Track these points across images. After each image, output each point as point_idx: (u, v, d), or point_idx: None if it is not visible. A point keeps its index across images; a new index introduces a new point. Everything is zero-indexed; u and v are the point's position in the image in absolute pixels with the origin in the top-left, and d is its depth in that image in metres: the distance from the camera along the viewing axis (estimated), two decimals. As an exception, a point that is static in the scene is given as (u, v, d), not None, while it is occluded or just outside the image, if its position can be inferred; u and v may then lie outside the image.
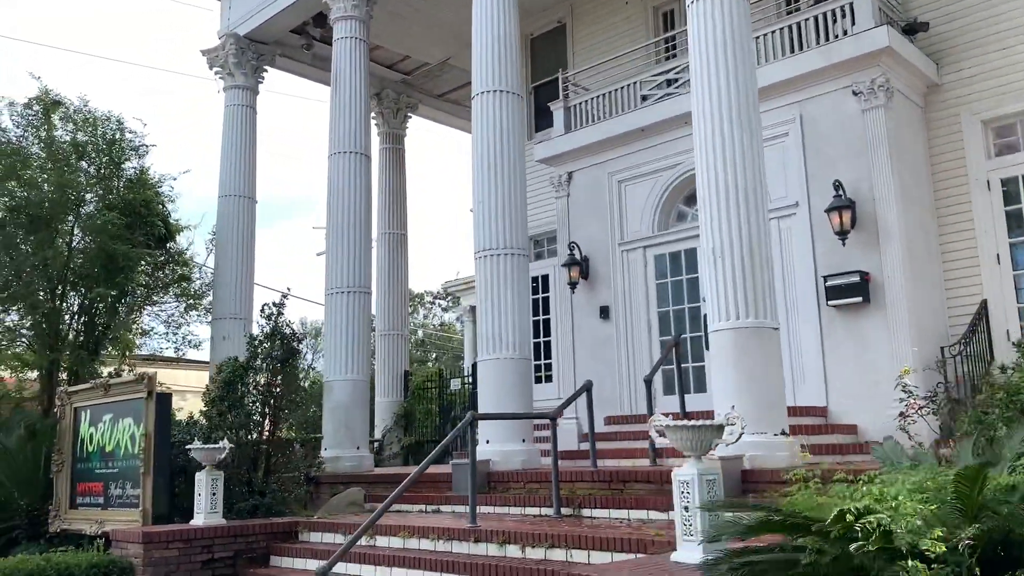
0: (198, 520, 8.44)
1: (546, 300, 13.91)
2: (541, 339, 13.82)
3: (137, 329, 14.41)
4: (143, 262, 13.20)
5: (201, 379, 15.19)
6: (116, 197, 13.47)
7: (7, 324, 14.00)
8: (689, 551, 4.67)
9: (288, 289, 10.20)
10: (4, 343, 14.05)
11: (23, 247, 13.15)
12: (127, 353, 14.39)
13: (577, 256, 11.97)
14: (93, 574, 7.61)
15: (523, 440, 9.82)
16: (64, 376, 13.86)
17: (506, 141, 10.34)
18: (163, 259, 13.83)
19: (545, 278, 13.94)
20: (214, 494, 8.54)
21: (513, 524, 7.51)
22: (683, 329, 10.95)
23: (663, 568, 4.50)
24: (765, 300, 7.75)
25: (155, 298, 14.29)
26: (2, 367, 14.14)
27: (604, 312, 11.70)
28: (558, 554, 6.58)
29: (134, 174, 13.60)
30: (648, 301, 11.38)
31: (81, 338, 13.93)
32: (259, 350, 9.49)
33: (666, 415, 5.33)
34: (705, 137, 8.14)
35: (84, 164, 13.45)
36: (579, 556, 6.46)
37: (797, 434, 8.06)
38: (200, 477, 8.54)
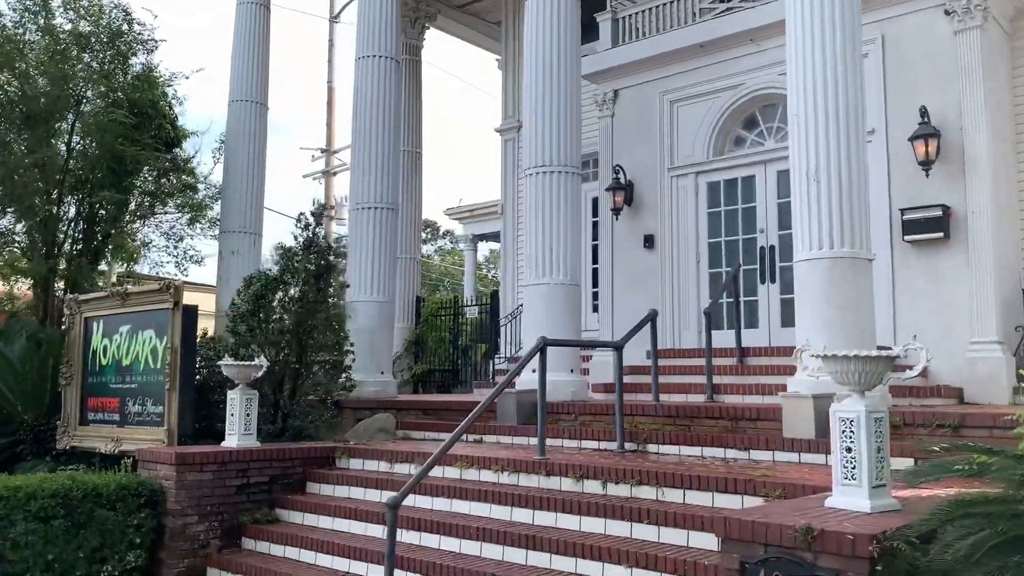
0: (231, 442, 7.80)
1: (594, 225, 13.20)
2: (588, 266, 13.17)
3: (138, 240, 13.51)
4: (149, 166, 12.24)
5: (197, 300, 14.31)
6: (121, 95, 12.44)
7: (-1, 229, 13.07)
8: (851, 497, 4.11)
9: (324, 204, 9.39)
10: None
11: (16, 147, 12.14)
12: (131, 263, 13.51)
13: (622, 180, 11.26)
14: (122, 495, 6.96)
15: (571, 370, 9.25)
16: (60, 286, 13.03)
17: (561, 46, 9.56)
18: (169, 165, 12.88)
19: (595, 201, 13.21)
20: (248, 415, 7.89)
21: (583, 458, 6.96)
22: (735, 261, 10.34)
23: (843, 516, 3.94)
24: (861, 229, 7.13)
25: (159, 207, 13.36)
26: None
27: (648, 241, 11.04)
28: (646, 492, 6.04)
29: (141, 70, 12.55)
30: (698, 231, 10.73)
31: (79, 246, 13.06)
32: (292, 263, 8.73)
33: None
34: (802, 46, 7.38)
35: (86, 57, 12.37)
36: (673, 495, 5.92)
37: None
38: (233, 396, 7.87)
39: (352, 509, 7.20)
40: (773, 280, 10.05)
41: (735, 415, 7.41)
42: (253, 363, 7.92)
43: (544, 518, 6.19)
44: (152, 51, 12.58)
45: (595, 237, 13.02)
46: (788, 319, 9.70)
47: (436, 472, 7.44)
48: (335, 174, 30.17)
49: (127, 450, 8.58)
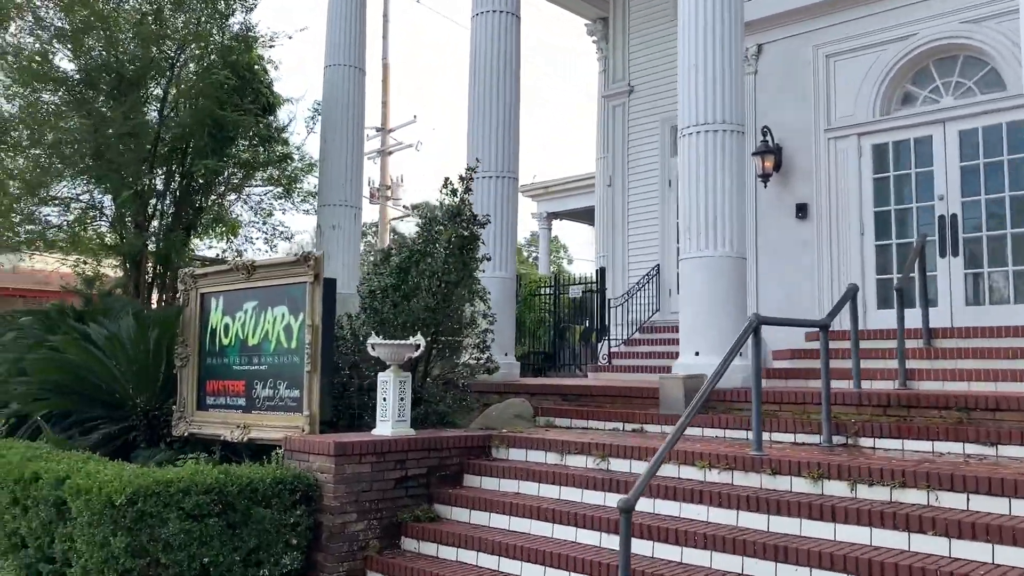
0: (383, 430, 6.99)
1: None
2: None
3: (229, 213, 12.76)
4: (246, 134, 11.46)
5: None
6: (216, 58, 11.66)
7: (84, 202, 12.39)
8: None
9: (477, 160, 8.53)
10: (80, 227, 12.46)
11: (107, 115, 11.41)
12: (231, 237, 12.78)
13: (770, 143, 10.26)
14: (278, 491, 6.17)
15: (740, 353, 8.28)
16: (150, 263, 12.35)
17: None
18: (267, 133, 12.09)
19: None
20: (402, 399, 7.07)
21: (804, 453, 6.04)
22: (908, 232, 9.32)
23: None
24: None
25: (255, 177, 12.60)
26: (77, 255, 12.55)
27: (801, 211, 10.05)
28: (913, 495, 5.10)
29: (239, 31, 11.74)
30: (861, 199, 9.72)
31: (168, 220, 12.35)
32: (433, 233, 7.86)
33: None
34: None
35: (181, 17, 11.59)
36: (950, 500, 4.97)
37: None
38: (386, 379, 7.05)
39: (525, 506, 6.36)
40: (956, 253, 9.02)
41: (969, 404, 6.43)
42: (408, 342, 7.09)
43: (783, 524, 5.29)
44: (251, 9, 11.77)
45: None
46: (975, 297, 8.69)
47: (620, 466, 6.58)
48: (391, 153, 29.44)
49: (257, 438, 7.82)
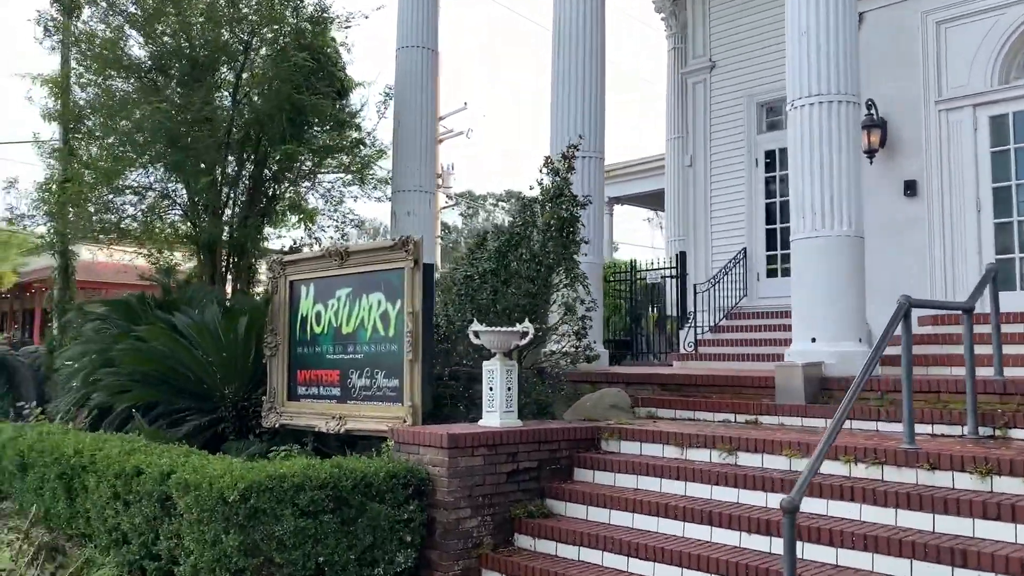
0: (490, 421, 6.65)
1: None
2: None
3: (305, 200, 12.51)
4: (322, 119, 11.17)
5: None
6: (289, 40, 11.37)
7: (157, 191, 12.23)
8: None
9: (582, 137, 8.12)
10: (153, 215, 12.32)
11: (181, 102, 11.19)
12: (309, 224, 12.53)
13: (875, 117, 9.69)
14: (392, 485, 5.86)
15: (859, 339, 7.80)
16: (223, 252, 12.16)
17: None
18: (343, 117, 11.81)
19: None
20: (509, 389, 6.71)
21: (959, 447, 5.56)
22: (1032, 209, 8.73)
23: None
24: None
25: (323, 165, 12.33)
26: (151, 245, 12.40)
27: (910, 188, 9.50)
28: None
29: (313, 11, 11.45)
30: (978, 174, 9.12)
31: (242, 208, 12.13)
32: (531, 215, 7.48)
33: None
34: None
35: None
36: None
37: None
38: (492, 367, 6.70)
39: (649, 503, 5.97)
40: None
41: None
42: (515, 329, 6.73)
43: (952, 524, 4.83)
44: (324, -10, 11.46)
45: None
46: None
47: (750, 461, 6.16)
48: (441, 141, 29.04)
49: (353, 429, 7.56)
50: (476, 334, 6.90)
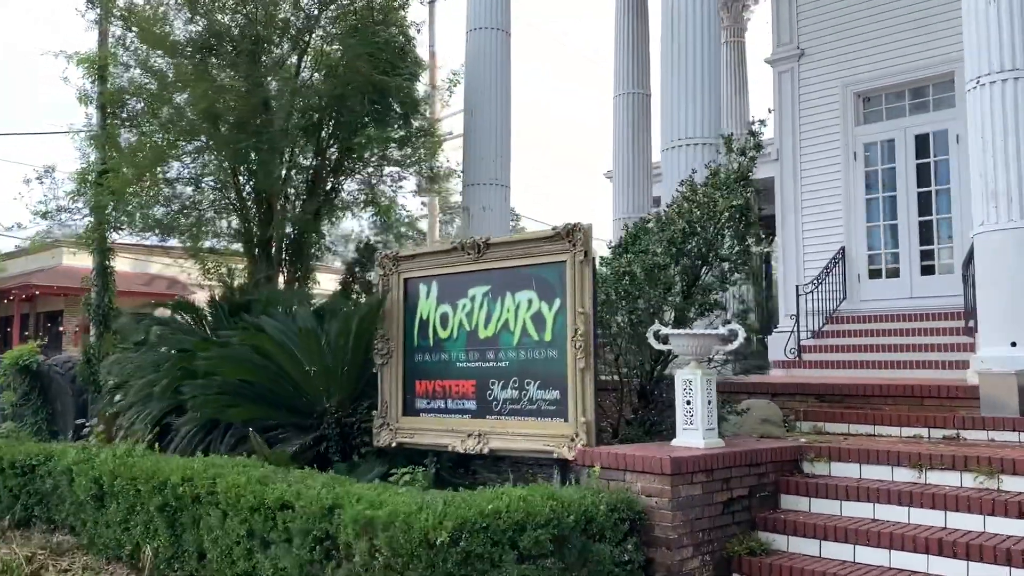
0: (691, 440, 5.66)
1: (944, 164, 10.89)
2: (936, 217, 10.89)
3: (379, 193, 11.42)
4: (411, 103, 10.12)
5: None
6: (355, 18, 10.32)
7: (209, 183, 11.08)
8: None
9: (770, 110, 7.18)
10: (203, 211, 11.18)
11: (238, 83, 10.07)
12: (386, 218, 11.42)
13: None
14: (614, 521, 4.85)
15: (1066, 342, 6.94)
16: (277, 249, 11.04)
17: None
18: (417, 102, 10.77)
19: (942, 135, 10.91)
20: (709, 402, 5.73)
21: None
22: None
23: None
24: None
25: (393, 154, 11.28)
26: (203, 242, 11.25)
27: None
28: None
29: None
30: None
31: (302, 201, 11.04)
32: (701, 202, 6.50)
33: None
34: None
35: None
36: None
37: None
38: (690, 377, 5.72)
39: (906, 536, 5.03)
40: None
41: None
42: (718, 331, 5.75)
43: None
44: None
45: (948, 180, 10.73)
46: None
47: (1017, 486, 5.23)
48: (443, 142, 27.98)
49: (499, 448, 6.52)
50: (662, 338, 5.92)
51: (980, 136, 7.17)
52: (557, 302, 6.34)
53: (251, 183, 10.73)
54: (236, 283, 9.88)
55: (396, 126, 10.36)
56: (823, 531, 5.37)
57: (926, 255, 10.94)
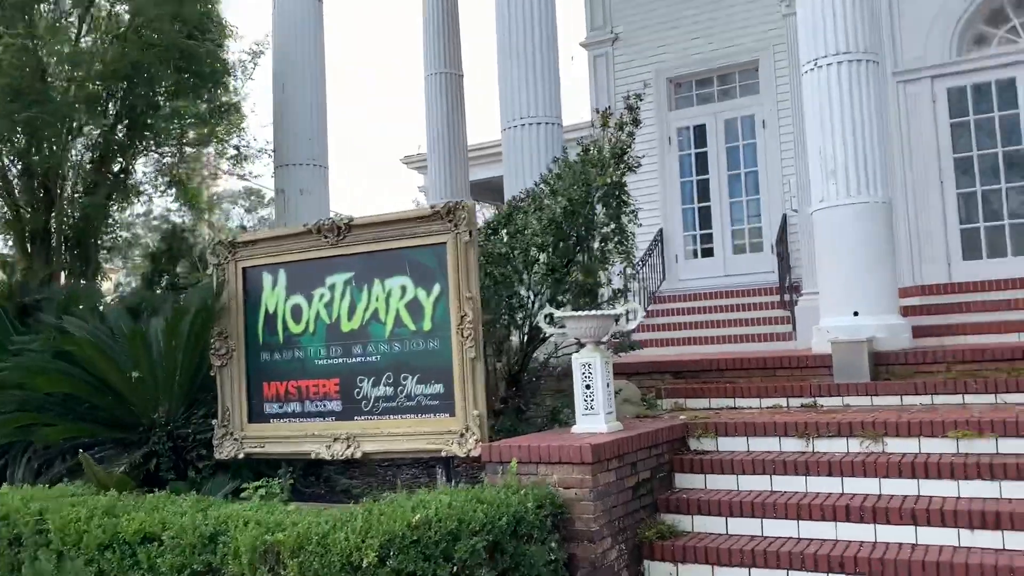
0: (592, 426, 5.38)
1: (750, 148, 11.37)
2: (746, 198, 11.34)
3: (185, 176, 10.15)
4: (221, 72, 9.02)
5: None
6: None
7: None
8: None
9: (645, 84, 6.91)
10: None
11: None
12: (194, 203, 10.11)
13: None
14: (542, 519, 4.45)
15: (899, 311, 7.45)
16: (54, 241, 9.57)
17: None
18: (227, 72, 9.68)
19: (749, 120, 11.38)
20: (608, 385, 5.50)
21: None
22: (997, 179, 8.93)
23: None
24: None
25: (194, 132, 10.08)
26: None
27: (871, 159, 9.38)
28: None
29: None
30: (939, 146, 9.21)
31: (87, 185, 9.61)
32: (588, 177, 6.23)
33: None
34: None
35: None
36: None
37: None
38: (590, 360, 5.43)
39: (809, 506, 5.08)
40: (1052, 198, 8.73)
41: None
42: (615, 311, 5.51)
43: None
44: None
45: (755, 163, 11.28)
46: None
47: (900, 446, 5.45)
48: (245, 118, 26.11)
49: (375, 452, 5.93)
50: (556, 321, 5.60)
51: (818, 117, 7.50)
52: (437, 288, 5.82)
53: (21, 162, 9.15)
54: (13, 282, 8.33)
55: (204, 98, 9.21)
56: (728, 507, 5.31)
57: (738, 234, 11.50)
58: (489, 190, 20.09)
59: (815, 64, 7.52)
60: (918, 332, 7.78)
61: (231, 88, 10.40)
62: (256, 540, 3.92)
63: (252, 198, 14.53)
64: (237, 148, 10.53)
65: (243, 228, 10.08)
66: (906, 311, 8.23)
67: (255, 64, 10.86)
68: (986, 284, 8.36)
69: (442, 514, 3.98)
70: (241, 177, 11.83)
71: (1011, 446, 5.14)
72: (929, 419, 5.44)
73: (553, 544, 4.56)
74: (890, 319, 7.24)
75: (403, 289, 5.96)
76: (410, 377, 5.90)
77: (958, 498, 4.94)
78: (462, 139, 13.75)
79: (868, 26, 7.42)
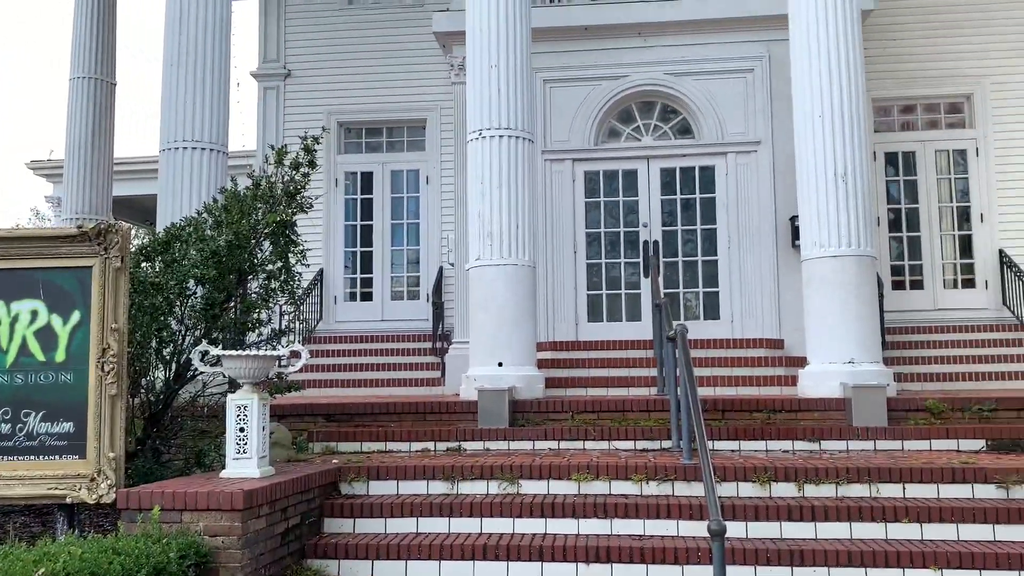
0: (245, 470, 5.18)
1: (415, 200, 11.72)
2: (407, 247, 11.61)
3: None
4: None
5: None
6: None
7: None
8: None
9: (324, 129, 6.58)
10: None
11: None
12: None
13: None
14: (184, 569, 4.17)
15: (535, 363, 8.19)
16: None
17: None
18: None
19: (415, 174, 11.74)
20: (264, 428, 5.36)
21: (720, 461, 6.28)
22: (617, 254, 10.27)
23: None
24: (869, 228, 7.78)
25: None
26: None
27: (521, 225, 10.32)
28: (858, 490, 5.72)
29: None
30: (575, 220, 10.38)
31: None
32: (257, 212, 6.06)
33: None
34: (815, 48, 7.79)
35: None
36: (889, 491, 5.72)
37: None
38: (244, 402, 5.24)
39: (452, 547, 5.39)
40: (659, 274, 10.21)
41: (776, 407, 7.41)
42: (277, 352, 5.40)
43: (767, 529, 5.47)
44: None
45: (418, 215, 11.73)
46: (673, 313, 10.00)
47: (534, 488, 6.00)
48: None
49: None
50: (213, 359, 5.38)
51: (480, 183, 8.11)
52: (77, 315, 5.30)
53: None
54: None
55: None
56: (374, 550, 5.42)
57: (397, 281, 11.89)
58: (131, 208, 18.63)
59: (480, 134, 8.14)
60: (550, 383, 8.64)
61: None
62: None
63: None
64: None
65: None
66: (541, 364, 9.08)
67: None
68: (605, 344, 9.53)
69: (72, 568, 3.60)
70: None
71: (621, 488, 5.89)
72: (558, 463, 6.06)
73: (194, 596, 4.32)
74: (529, 371, 7.96)
75: (34, 314, 5.34)
76: (33, 414, 5.27)
77: (578, 535, 5.55)
78: (109, 151, 12.63)
79: (526, 108, 8.22)
